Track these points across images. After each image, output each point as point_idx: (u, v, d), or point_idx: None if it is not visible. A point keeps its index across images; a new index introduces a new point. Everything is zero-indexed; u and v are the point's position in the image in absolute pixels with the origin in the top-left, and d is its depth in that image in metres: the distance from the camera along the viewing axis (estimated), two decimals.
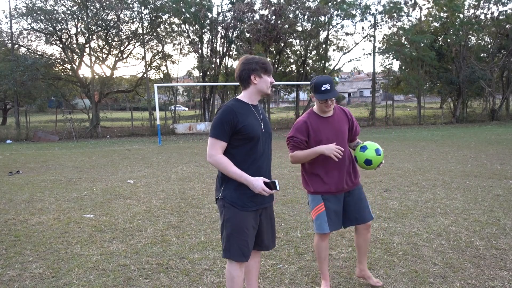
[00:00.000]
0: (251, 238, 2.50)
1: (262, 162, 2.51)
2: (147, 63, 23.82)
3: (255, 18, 21.22)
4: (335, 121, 2.96)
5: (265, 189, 2.36)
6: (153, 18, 22.79)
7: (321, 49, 25.35)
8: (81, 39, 22.74)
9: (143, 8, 22.23)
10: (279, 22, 21.23)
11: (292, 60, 26.96)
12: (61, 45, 22.57)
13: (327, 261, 3.14)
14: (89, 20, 21.33)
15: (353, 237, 4.23)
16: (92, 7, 21.45)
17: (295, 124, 2.98)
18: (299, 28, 23.54)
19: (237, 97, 2.54)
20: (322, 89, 2.79)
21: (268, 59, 24.60)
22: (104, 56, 23.82)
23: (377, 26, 24.52)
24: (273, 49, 24.10)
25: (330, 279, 3.30)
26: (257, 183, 2.36)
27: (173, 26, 23.58)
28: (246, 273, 2.72)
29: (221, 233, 2.52)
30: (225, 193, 2.47)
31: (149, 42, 24.02)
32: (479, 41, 27.16)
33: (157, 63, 25.19)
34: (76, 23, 22.11)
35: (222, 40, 23.11)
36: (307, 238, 4.27)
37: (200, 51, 22.98)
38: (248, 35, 22.28)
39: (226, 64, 24.44)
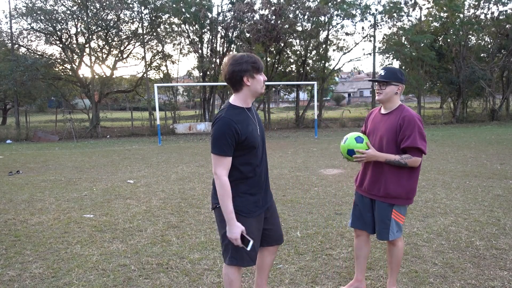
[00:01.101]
0: (258, 242, 2.48)
1: (261, 167, 2.45)
2: (147, 63, 23.83)
3: (255, 18, 21.22)
4: (386, 121, 2.77)
5: (238, 241, 2.28)
6: (153, 18, 22.79)
7: (321, 49, 25.35)
8: (81, 39, 22.75)
9: (143, 8, 22.22)
10: (279, 22, 21.22)
11: (292, 60, 26.97)
12: (61, 45, 22.57)
13: (360, 261, 3.04)
14: (89, 20, 21.33)
15: (353, 237, 4.23)
16: (92, 7, 21.45)
17: None
18: (299, 28, 23.54)
19: (230, 102, 2.36)
20: (377, 74, 2.83)
21: (268, 59, 24.65)
22: (104, 56, 23.83)
23: (377, 26, 24.52)
24: (273, 49, 24.09)
25: (330, 279, 3.30)
26: (236, 230, 2.27)
27: (173, 26, 23.59)
28: (260, 269, 2.72)
29: (223, 241, 2.43)
30: None
31: (149, 42, 24.02)
32: (479, 41, 27.16)
33: (157, 63, 25.20)
34: (76, 23, 22.11)
35: (222, 40, 23.12)
36: (307, 238, 4.27)
37: (200, 51, 22.99)
38: (248, 35, 22.27)
39: None
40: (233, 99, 2.37)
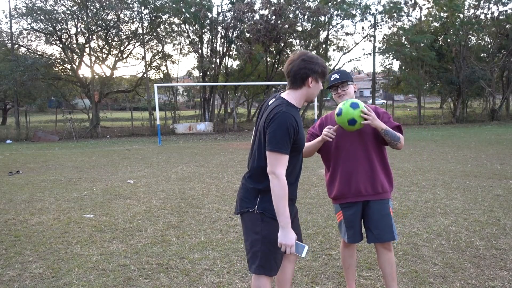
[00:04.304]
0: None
1: (300, 173, 2.33)
2: (147, 63, 23.83)
3: (255, 18, 21.23)
4: None
5: (294, 247, 2.08)
6: (153, 18, 22.81)
7: (321, 49, 25.35)
8: (81, 39, 22.79)
9: (143, 8, 22.24)
10: (279, 22, 21.22)
11: None
12: (61, 45, 22.59)
13: (352, 269, 2.94)
14: (89, 20, 21.33)
15: None
16: (92, 7, 21.46)
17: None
18: (299, 28, 23.56)
19: (286, 98, 2.18)
20: (332, 79, 2.69)
21: (268, 59, 24.65)
22: (104, 56, 23.84)
23: (377, 26, 24.54)
24: (273, 49, 24.11)
25: (330, 279, 3.30)
26: (292, 236, 2.06)
27: (173, 26, 23.61)
28: (281, 283, 2.56)
29: (252, 247, 2.24)
30: (265, 205, 2.18)
31: (149, 42, 24.04)
32: (479, 41, 27.19)
33: (157, 63, 25.23)
34: (76, 23, 22.14)
35: (222, 40, 23.12)
36: (307, 238, 4.27)
37: (200, 51, 23.00)
38: (248, 35, 22.29)
39: (226, 64, 24.47)
40: (288, 97, 2.21)
